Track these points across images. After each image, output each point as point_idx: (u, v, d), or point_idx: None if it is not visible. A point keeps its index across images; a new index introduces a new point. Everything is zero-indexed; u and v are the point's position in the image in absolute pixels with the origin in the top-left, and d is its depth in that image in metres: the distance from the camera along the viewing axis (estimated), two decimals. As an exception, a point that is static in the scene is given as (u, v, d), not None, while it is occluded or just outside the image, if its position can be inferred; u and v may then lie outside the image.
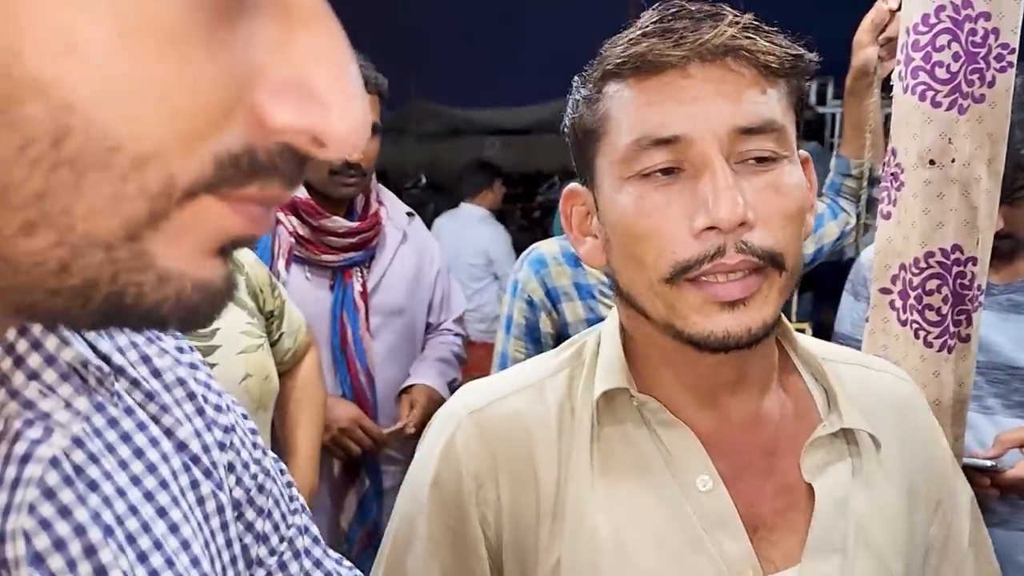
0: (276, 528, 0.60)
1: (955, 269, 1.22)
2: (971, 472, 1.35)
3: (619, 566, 0.75)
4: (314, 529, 0.65)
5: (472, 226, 4.88)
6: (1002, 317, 1.57)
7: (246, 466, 0.57)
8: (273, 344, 1.48)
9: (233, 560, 0.53)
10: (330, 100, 0.31)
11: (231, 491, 0.55)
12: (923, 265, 1.23)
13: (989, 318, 1.55)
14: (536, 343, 1.68)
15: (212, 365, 1.21)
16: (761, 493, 0.78)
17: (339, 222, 1.79)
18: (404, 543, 0.81)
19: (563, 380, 0.82)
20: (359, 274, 1.84)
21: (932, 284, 1.23)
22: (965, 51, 1.17)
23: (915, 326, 1.23)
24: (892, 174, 1.22)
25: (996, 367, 1.55)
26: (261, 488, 0.58)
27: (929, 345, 1.23)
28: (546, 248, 1.73)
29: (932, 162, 1.20)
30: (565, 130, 0.81)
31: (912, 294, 1.23)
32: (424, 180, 11.62)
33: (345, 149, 0.33)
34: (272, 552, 0.59)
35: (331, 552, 0.66)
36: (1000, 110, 1.18)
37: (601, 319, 1.31)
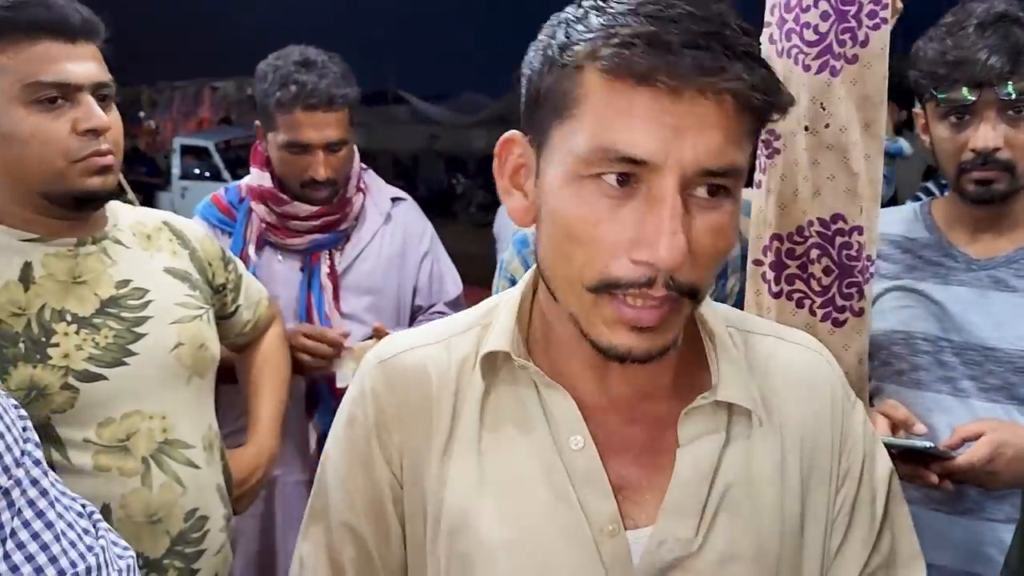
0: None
1: (838, 239, 1.18)
2: (913, 459, 1.31)
3: (493, 510, 0.81)
4: (45, 482, 0.73)
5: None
6: (980, 294, 1.48)
7: None
8: (230, 316, 1.58)
9: None
10: None
11: None
12: (806, 234, 1.19)
13: (967, 295, 1.48)
14: None
15: (143, 335, 1.32)
16: (635, 457, 0.82)
17: (300, 207, 1.88)
18: (323, 481, 0.91)
19: (471, 337, 0.87)
20: (328, 256, 1.93)
21: (814, 254, 1.19)
22: (835, 10, 1.12)
23: (798, 296, 1.19)
24: (763, 141, 1.18)
25: (971, 348, 1.47)
26: None
27: (813, 314, 1.19)
28: (531, 228, 1.76)
29: (807, 128, 1.15)
30: (524, 71, 0.79)
31: (793, 264, 1.19)
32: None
33: None
34: None
35: (75, 504, 0.74)
36: (876, 70, 1.13)
37: None
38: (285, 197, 1.88)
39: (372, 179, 2.10)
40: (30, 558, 0.69)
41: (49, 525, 0.71)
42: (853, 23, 1.12)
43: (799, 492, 0.82)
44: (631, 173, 0.69)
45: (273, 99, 1.80)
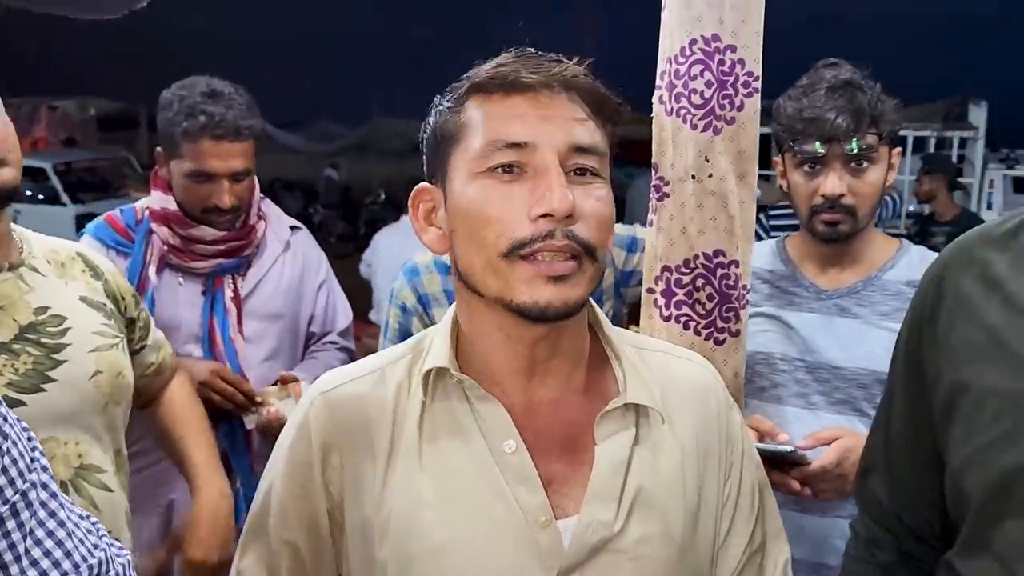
0: (12, 483, 0.74)
1: (719, 271, 1.38)
2: (778, 462, 1.49)
3: (437, 515, 0.91)
4: (53, 486, 0.79)
5: (412, 239, 5.01)
6: (828, 320, 1.70)
7: None
8: (136, 352, 1.60)
9: None
10: None
11: None
12: (692, 266, 1.38)
13: (817, 321, 1.70)
14: None
15: (62, 362, 1.34)
16: (560, 455, 0.94)
17: (206, 231, 1.93)
18: (265, 501, 0.99)
19: (404, 365, 0.99)
20: (231, 280, 1.98)
21: (699, 282, 1.38)
22: (716, 79, 1.33)
23: (684, 319, 1.38)
24: (655, 186, 1.38)
25: (821, 367, 1.68)
26: None
27: (698, 334, 1.39)
28: (420, 258, 1.88)
29: (693, 177, 1.35)
30: (423, 136, 0.98)
31: (681, 292, 1.38)
32: (383, 196, 11.81)
33: None
34: (4, 502, 0.73)
35: (75, 508, 0.80)
36: (749, 131, 1.35)
37: None
38: (191, 220, 1.92)
39: (270, 207, 2.17)
40: (47, 553, 0.76)
41: (62, 524, 0.78)
42: (731, 91, 1.33)
43: (696, 483, 0.97)
44: (516, 162, 0.87)
45: (179, 128, 1.84)
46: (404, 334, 1.81)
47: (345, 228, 12.43)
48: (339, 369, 1.03)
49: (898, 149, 1.67)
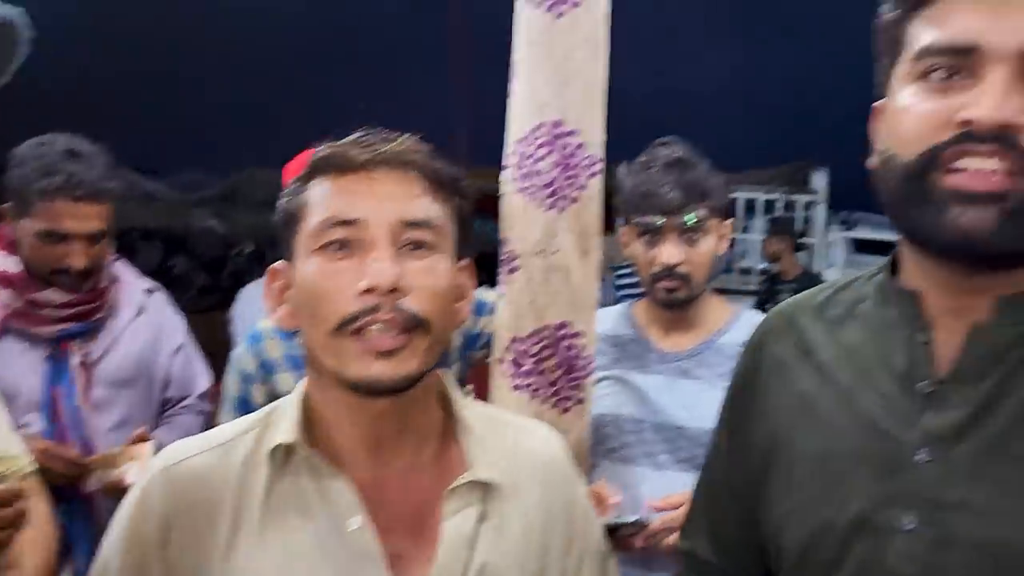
0: None
1: (564, 342, 1.45)
2: (622, 530, 1.55)
3: None
4: None
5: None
6: (672, 382, 1.79)
7: None
8: None
9: None
10: None
11: None
12: (539, 337, 1.45)
13: (661, 383, 1.79)
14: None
15: None
16: (407, 531, 0.95)
17: (54, 295, 1.86)
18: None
19: (252, 437, 0.98)
20: (79, 345, 1.91)
21: (546, 353, 1.45)
22: (561, 161, 1.42)
23: (532, 388, 1.45)
24: (503, 260, 1.45)
25: (666, 427, 1.76)
26: None
27: (545, 403, 1.45)
28: (263, 323, 1.85)
29: (540, 252, 1.43)
30: (276, 217, 0.99)
31: (529, 362, 1.44)
32: (250, 249, 11.52)
33: None
34: None
35: None
36: (592, 209, 1.44)
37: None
38: (36, 283, 1.85)
39: (123, 269, 2.11)
40: None
41: None
42: (575, 172, 1.43)
43: (540, 558, 1.00)
44: (348, 239, 0.91)
45: (34, 186, 1.78)
46: (245, 404, 1.76)
47: (207, 281, 12.01)
48: (184, 441, 1.01)
49: (729, 220, 1.81)
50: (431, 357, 0.93)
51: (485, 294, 1.90)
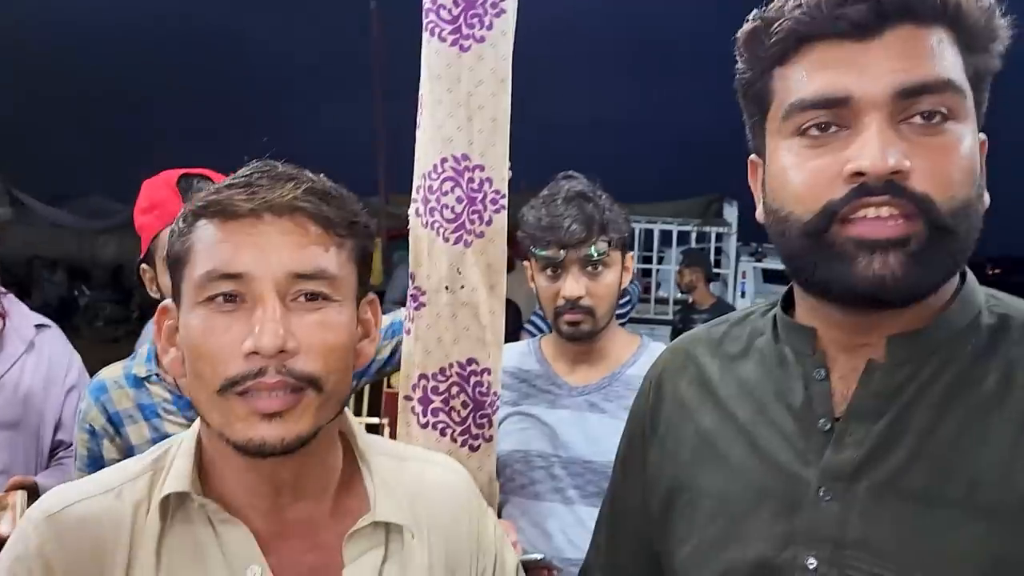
0: None
1: (472, 379, 1.43)
2: (530, 567, 1.52)
3: None
4: None
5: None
6: (578, 416, 1.79)
7: None
8: None
9: None
10: None
11: None
12: (448, 374, 1.42)
13: (568, 417, 1.78)
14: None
15: None
16: None
17: None
18: None
19: (144, 482, 0.92)
20: None
21: (454, 390, 1.43)
22: (467, 196, 1.41)
23: (441, 426, 1.42)
24: (412, 296, 1.42)
25: (574, 462, 1.75)
26: None
27: (454, 441, 1.42)
28: (107, 373, 1.71)
29: (447, 288, 1.41)
30: (167, 256, 0.93)
31: (437, 399, 1.41)
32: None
33: None
34: None
35: None
36: (497, 244, 1.42)
37: (168, 436, 1.37)
38: None
39: (12, 303, 2.01)
40: None
41: None
42: (480, 207, 1.41)
43: None
44: (234, 292, 0.85)
45: None
46: (96, 461, 1.63)
47: (115, 311, 11.61)
48: (69, 485, 0.95)
49: (631, 253, 1.83)
50: (326, 413, 0.89)
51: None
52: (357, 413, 5.83)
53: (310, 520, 0.94)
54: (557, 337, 1.81)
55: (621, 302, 2.24)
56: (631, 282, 1.95)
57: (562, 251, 1.69)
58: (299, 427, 0.85)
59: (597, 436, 1.73)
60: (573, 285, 1.69)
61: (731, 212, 9.63)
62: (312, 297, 0.87)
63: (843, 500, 0.85)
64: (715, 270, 8.72)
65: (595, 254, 1.69)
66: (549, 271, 1.73)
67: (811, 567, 0.85)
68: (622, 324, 5.87)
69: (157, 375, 1.66)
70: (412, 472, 1.03)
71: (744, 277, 9.96)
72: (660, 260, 10.19)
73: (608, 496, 1.18)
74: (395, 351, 1.78)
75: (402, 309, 1.75)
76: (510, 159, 1.53)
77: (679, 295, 8.02)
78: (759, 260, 10.32)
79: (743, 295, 9.62)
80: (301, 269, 0.86)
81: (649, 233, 9.91)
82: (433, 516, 1.01)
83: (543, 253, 1.69)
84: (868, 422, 0.86)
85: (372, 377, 1.83)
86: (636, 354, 1.83)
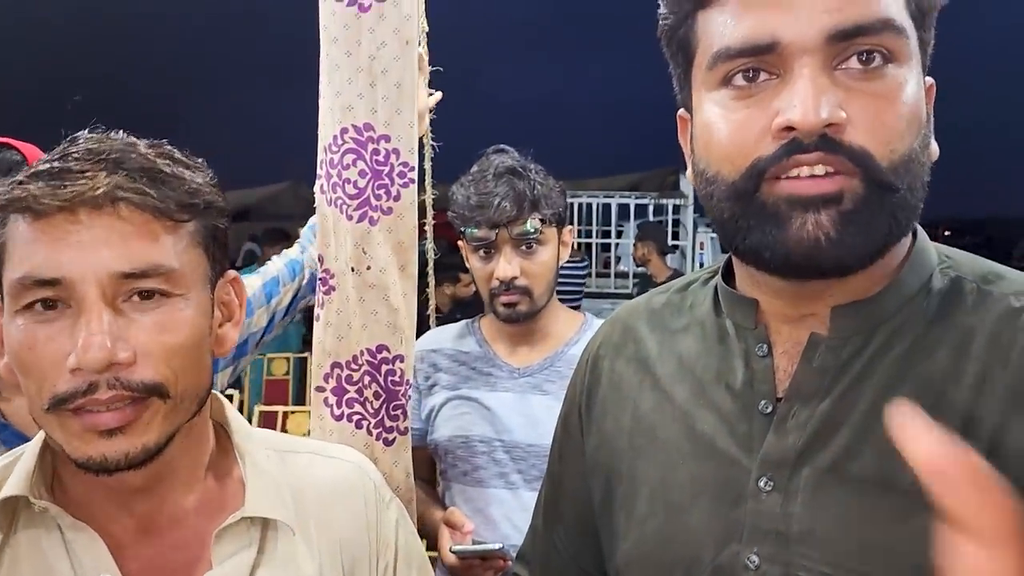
0: None
1: (384, 367, 1.32)
2: (487, 556, 1.48)
3: None
4: None
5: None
6: (521, 398, 1.71)
7: None
8: None
9: None
10: None
11: None
12: (360, 362, 1.31)
13: (511, 400, 1.70)
14: None
15: None
16: None
17: None
18: None
19: None
20: None
21: (366, 379, 1.32)
22: (371, 169, 1.29)
23: (356, 418, 1.31)
24: (321, 279, 1.31)
25: (517, 446, 1.68)
26: None
27: (370, 434, 1.32)
28: None
29: (353, 269, 1.30)
30: None
31: (352, 389, 1.31)
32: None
33: None
34: None
35: None
36: (407, 221, 1.31)
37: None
38: None
39: None
40: None
41: None
42: (387, 180, 1.30)
43: None
44: (54, 298, 0.74)
45: None
46: None
47: None
48: None
49: (569, 228, 1.74)
50: (178, 417, 0.80)
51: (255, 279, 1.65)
52: (310, 401, 5.71)
53: (173, 519, 0.85)
54: (495, 318, 1.73)
55: (578, 276, 2.14)
56: (581, 260, 1.86)
57: (494, 230, 1.60)
58: (144, 439, 0.77)
59: (540, 419, 1.67)
60: (506, 266, 1.61)
61: (687, 184, 9.60)
62: (147, 296, 0.77)
63: (785, 490, 0.77)
64: (673, 242, 8.69)
65: (529, 231, 1.60)
66: (482, 252, 1.63)
67: (753, 565, 0.77)
68: (576, 299, 5.79)
69: None
70: (299, 465, 0.94)
71: (703, 248, 9.95)
72: (619, 235, 10.14)
73: (546, 480, 1.09)
74: (294, 299, 1.58)
75: (293, 248, 1.60)
76: (444, 136, 1.41)
77: (638, 269, 7.98)
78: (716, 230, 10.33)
79: (701, 266, 9.61)
80: (128, 268, 0.75)
81: (607, 207, 9.86)
82: (323, 512, 0.92)
83: (474, 233, 1.60)
84: (811, 402, 0.78)
85: (253, 354, 1.67)
86: (579, 332, 1.75)
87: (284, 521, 0.87)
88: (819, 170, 0.71)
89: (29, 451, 0.85)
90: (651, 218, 9.39)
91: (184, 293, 0.79)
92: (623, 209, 9.82)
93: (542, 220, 1.63)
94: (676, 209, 9.63)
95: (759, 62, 0.74)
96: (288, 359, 5.80)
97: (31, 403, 0.77)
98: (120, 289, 0.75)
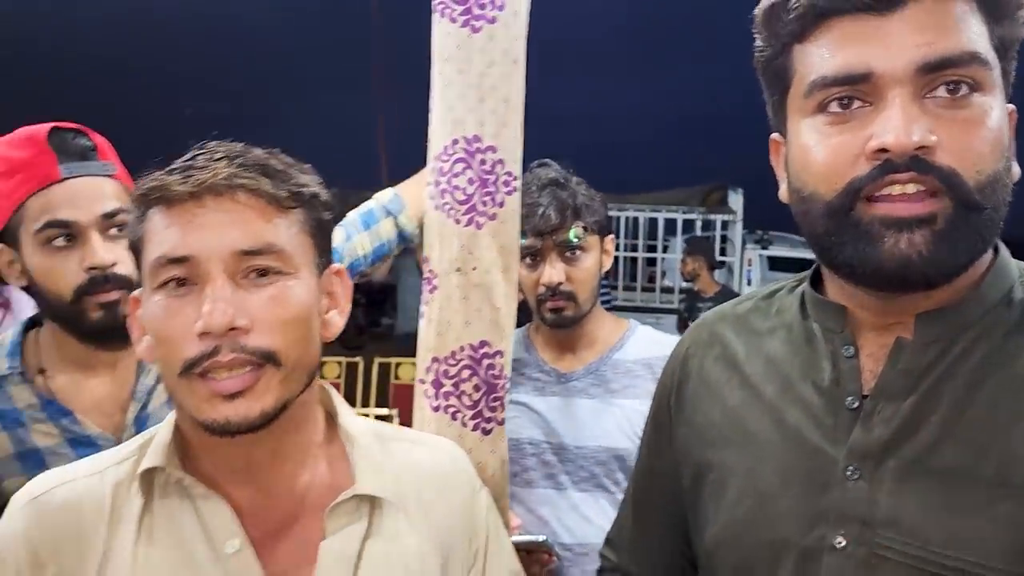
0: None
1: (484, 361, 1.41)
2: (531, 549, 1.55)
3: None
4: None
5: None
6: (568, 402, 1.79)
7: None
8: None
9: None
10: None
11: None
12: (459, 357, 1.41)
13: (558, 404, 1.79)
14: None
15: None
16: (290, 551, 0.92)
17: None
18: None
19: (128, 466, 0.94)
20: None
21: (465, 374, 1.41)
22: (478, 177, 1.39)
23: (452, 410, 1.41)
24: (426, 279, 1.41)
25: (565, 448, 1.76)
26: None
27: (465, 425, 1.41)
28: None
29: (458, 270, 1.40)
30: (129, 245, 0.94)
31: (448, 383, 1.41)
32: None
33: None
34: None
35: None
36: (510, 226, 1.41)
37: (34, 449, 1.31)
38: None
39: (15, 294, 2.00)
40: None
41: None
42: (493, 188, 1.40)
43: (439, 568, 0.98)
44: (184, 276, 0.86)
45: None
46: None
47: None
48: (55, 471, 0.97)
49: (610, 236, 1.83)
50: (291, 386, 0.90)
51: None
52: (365, 404, 5.85)
53: (290, 494, 0.95)
54: (543, 325, 1.82)
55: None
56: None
57: (539, 239, 1.70)
58: (262, 404, 0.87)
59: (586, 422, 1.75)
60: (551, 272, 1.72)
61: (736, 200, 9.60)
62: (263, 273, 0.88)
63: (871, 479, 0.84)
64: (721, 258, 8.69)
65: (572, 239, 1.70)
66: (528, 260, 1.74)
67: (840, 546, 0.85)
68: (608, 309, 5.83)
69: (22, 374, 1.35)
70: (399, 451, 1.03)
71: (750, 265, 9.95)
72: (665, 249, 10.17)
73: (635, 475, 1.18)
74: (377, 250, 1.64)
75: (370, 201, 1.67)
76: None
77: (684, 284, 8.00)
78: (764, 248, 10.31)
79: (749, 283, 9.60)
80: (246, 246, 0.87)
81: (653, 222, 9.90)
82: (423, 494, 1.01)
83: (521, 242, 1.69)
84: (897, 400, 0.85)
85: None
86: (624, 337, 1.84)
87: (390, 500, 0.96)
88: (911, 188, 0.79)
89: (163, 429, 0.96)
90: (699, 233, 9.41)
91: (294, 272, 0.90)
92: (670, 224, 9.85)
93: (584, 228, 1.73)
94: (724, 225, 9.64)
95: (854, 91, 0.82)
96: (340, 363, 5.95)
97: (167, 374, 0.88)
98: (240, 266, 0.87)
